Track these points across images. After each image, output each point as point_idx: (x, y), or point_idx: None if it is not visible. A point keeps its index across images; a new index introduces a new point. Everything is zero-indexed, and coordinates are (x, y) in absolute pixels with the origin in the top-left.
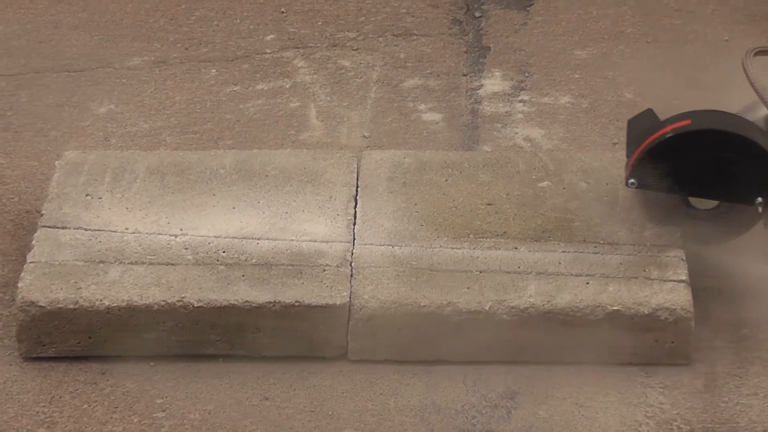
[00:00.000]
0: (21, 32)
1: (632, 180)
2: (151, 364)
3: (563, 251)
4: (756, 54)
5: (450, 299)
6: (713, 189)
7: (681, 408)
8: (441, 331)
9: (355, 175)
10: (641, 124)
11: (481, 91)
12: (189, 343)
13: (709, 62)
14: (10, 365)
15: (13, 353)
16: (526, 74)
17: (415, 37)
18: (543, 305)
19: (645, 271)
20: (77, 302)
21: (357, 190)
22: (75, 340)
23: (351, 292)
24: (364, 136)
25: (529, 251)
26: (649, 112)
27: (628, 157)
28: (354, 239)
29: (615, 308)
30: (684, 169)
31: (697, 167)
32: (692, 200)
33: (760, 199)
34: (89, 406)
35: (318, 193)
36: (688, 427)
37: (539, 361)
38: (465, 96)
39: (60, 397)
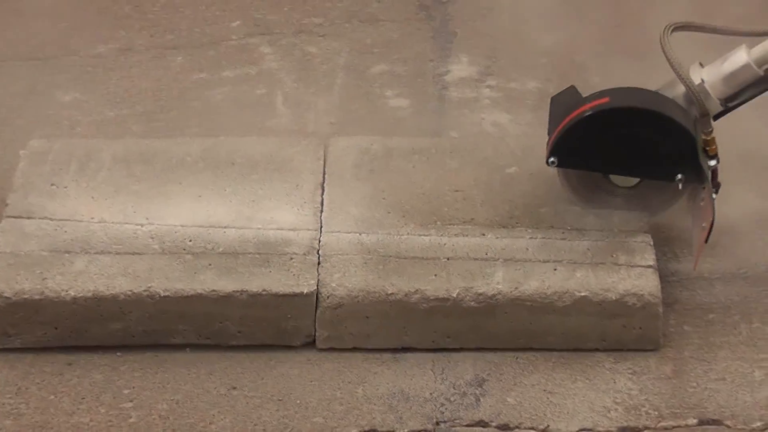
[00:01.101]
0: None
1: (552, 159)
2: (118, 354)
3: (531, 237)
4: (673, 30)
5: (417, 286)
6: (634, 166)
7: (649, 393)
8: (409, 319)
9: (321, 163)
10: (563, 102)
11: (448, 77)
12: (156, 332)
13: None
14: None
15: None
16: (493, 59)
17: (382, 22)
18: (511, 292)
19: (612, 256)
20: (43, 293)
21: (324, 178)
22: (41, 330)
23: (318, 280)
24: (331, 122)
25: (497, 238)
26: (572, 89)
27: (549, 135)
28: (321, 227)
29: (582, 294)
30: (604, 147)
31: (617, 145)
32: (613, 178)
33: (680, 176)
34: (56, 397)
35: (285, 180)
36: (656, 413)
37: (507, 347)
38: (432, 82)
39: (26, 389)
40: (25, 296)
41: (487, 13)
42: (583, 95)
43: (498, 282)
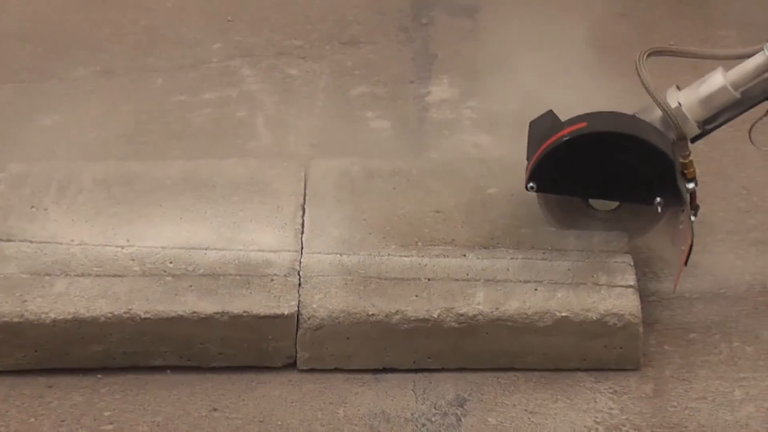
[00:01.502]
0: None
1: (531, 184)
2: (99, 376)
3: (512, 258)
4: (649, 55)
5: (398, 307)
6: (612, 191)
7: (630, 413)
8: (390, 340)
9: (302, 184)
10: (541, 126)
11: (428, 98)
12: (137, 354)
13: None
14: None
15: None
16: (474, 81)
17: (362, 44)
18: (491, 312)
19: (593, 276)
20: (23, 315)
21: (305, 199)
22: (21, 353)
23: (299, 301)
24: (311, 144)
25: (478, 258)
26: (550, 114)
27: (528, 160)
28: (302, 248)
29: (563, 314)
30: (582, 172)
31: (596, 169)
32: (592, 202)
33: (659, 199)
34: (36, 420)
35: (266, 202)
36: None
37: (488, 368)
38: (413, 103)
39: (6, 412)
40: (5, 319)
41: (467, 34)
42: (562, 119)
43: (479, 302)
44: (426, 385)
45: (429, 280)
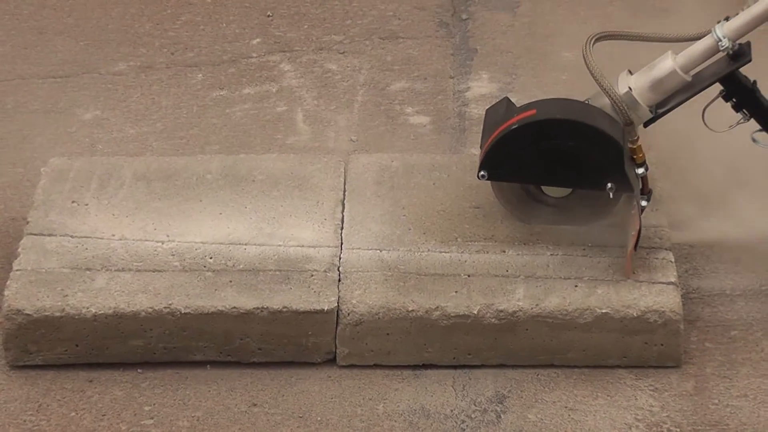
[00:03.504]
0: (6, 38)
1: (483, 173)
2: (139, 371)
3: (551, 254)
4: (596, 40)
5: (438, 303)
6: (564, 177)
7: (671, 410)
8: (429, 336)
9: (342, 179)
10: (496, 114)
11: (468, 94)
12: (177, 349)
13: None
14: None
15: (0, 362)
16: (514, 76)
17: (402, 39)
18: (531, 309)
19: (634, 273)
20: (64, 310)
21: (344, 194)
22: (62, 347)
23: (339, 297)
24: (351, 139)
25: (518, 254)
26: (505, 101)
27: (480, 148)
28: (342, 244)
29: (604, 311)
30: (533, 159)
31: (547, 156)
32: (545, 189)
33: (610, 185)
34: (77, 414)
35: (305, 197)
36: (678, 430)
37: (528, 364)
38: (452, 98)
39: (47, 406)
40: (46, 313)
41: (507, 29)
42: (497, 104)
43: (519, 299)
44: (465, 381)
45: (469, 276)
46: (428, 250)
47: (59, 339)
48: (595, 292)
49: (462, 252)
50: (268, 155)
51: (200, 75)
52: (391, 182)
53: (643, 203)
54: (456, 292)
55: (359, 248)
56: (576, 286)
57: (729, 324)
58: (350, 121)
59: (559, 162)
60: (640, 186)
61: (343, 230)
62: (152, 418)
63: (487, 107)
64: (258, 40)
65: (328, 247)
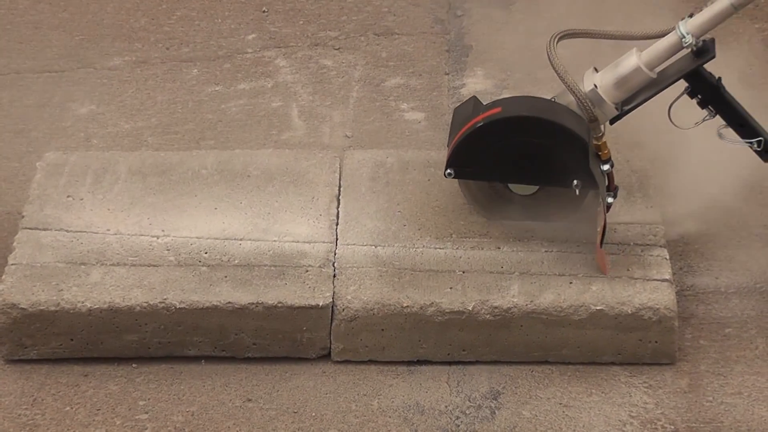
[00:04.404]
0: (1, 32)
1: (449, 171)
2: (134, 365)
3: (546, 251)
4: (560, 38)
5: (433, 299)
6: (530, 174)
7: (665, 407)
8: (424, 332)
9: (337, 175)
10: (463, 112)
11: (463, 90)
12: (171, 344)
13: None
14: None
15: None
16: (509, 72)
17: (397, 36)
18: (526, 305)
19: (628, 270)
20: (59, 304)
21: (339, 190)
22: (57, 342)
23: (334, 292)
24: (346, 135)
25: (512, 251)
26: (473, 100)
27: (447, 146)
28: (336, 239)
29: (598, 308)
30: (499, 157)
31: (512, 154)
32: (512, 186)
33: (576, 182)
34: (71, 408)
35: (300, 193)
36: (672, 427)
37: (523, 361)
38: (447, 95)
39: (42, 400)
40: (41, 307)
41: (502, 26)
42: (465, 103)
43: (513, 295)
44: (460, 377)
45: (463, 272)
46: (423, 246)
47: (54, 333)
48: (589, 288)
49: (457, 248)
50: (263, 151)
51: (195, 70)
52: (386, 178)
53: (609, 200)
54: (451, 288)
55: (354, 244)
56: (571, 282)
57: (723, 321)
58: (345, 117)
59: (524, 159)
60: (606, 182)
61: (338, 226)
62: (147, 413)
63: (455, 106)
64: (253, 35)
65: (323, 242)
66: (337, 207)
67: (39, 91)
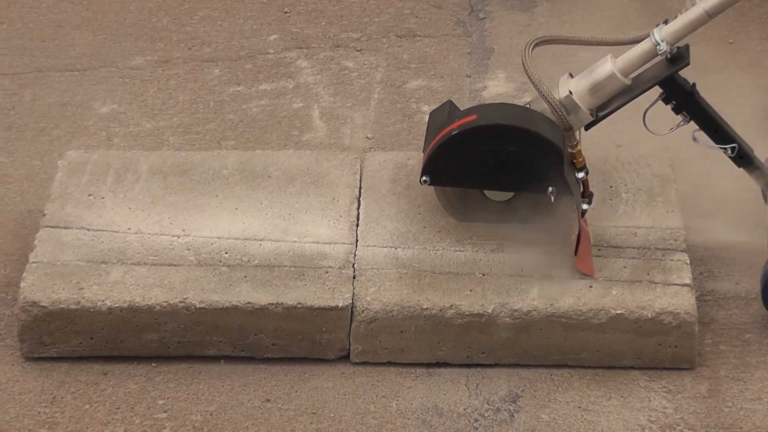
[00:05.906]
0: (24, 31)
1: (425, 178)
2: (153, 364)
3: (566, 254)
4: (535, 45)
5: (452, 302)
6: (505, 181)
7: (684, 412)
8: (443, 334)
9: (358, 177)
10: (439, 118)
11: (485, 93)
12: (191, 344)
13: (713, 64)
14: (12, 365)
15: (15, 353)
16: None
17: (419, 38)
18: (546, 308)
19: (648, 274)
20: (79, 302)
21: (360, 192)
22: (77, 340)
23: (353, 293)
24: (367, 137)
25: (532, 254)
26: (448, 104)
27: (423, 152)
28: (357, 241)
29: (618, 312)
30: (474, 164)
31: (487, 161)
32: (488, 192)
33: (551, 188)
34: (91, 406)
35: (321, 194)
36: None
37: (542, 364)
38: (469, 97)
39: (62, 398)
40: (62, 306)
41: (524, 29)
42: (440, 108)
43: (533, 298)
44: (479, 380)
45: (483, 275)
46: (443, 248)
47: (74, 331)
48: (609, 292)
49: (477, 251)
50: (284, 151)
51: (217, 70)
52: (406, 180)
53: (584, 206)
54: (470, 290)
55: (374, 245)
56: (591, 286)
57: (744, 327)
58: (366, 119)
59: (500, 167)
60: (581, 189)
61: (359, 227)
62: (166, 412)
63: (431, 110)
64: (275, 36)
65: (344, 243)
66: (358, 208)
67: (61, 90)
